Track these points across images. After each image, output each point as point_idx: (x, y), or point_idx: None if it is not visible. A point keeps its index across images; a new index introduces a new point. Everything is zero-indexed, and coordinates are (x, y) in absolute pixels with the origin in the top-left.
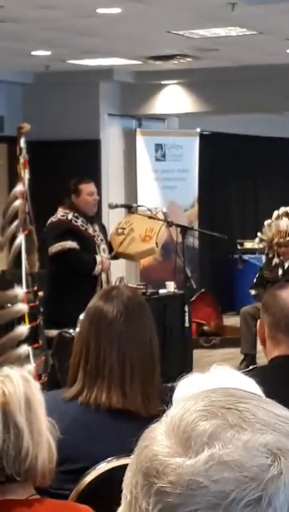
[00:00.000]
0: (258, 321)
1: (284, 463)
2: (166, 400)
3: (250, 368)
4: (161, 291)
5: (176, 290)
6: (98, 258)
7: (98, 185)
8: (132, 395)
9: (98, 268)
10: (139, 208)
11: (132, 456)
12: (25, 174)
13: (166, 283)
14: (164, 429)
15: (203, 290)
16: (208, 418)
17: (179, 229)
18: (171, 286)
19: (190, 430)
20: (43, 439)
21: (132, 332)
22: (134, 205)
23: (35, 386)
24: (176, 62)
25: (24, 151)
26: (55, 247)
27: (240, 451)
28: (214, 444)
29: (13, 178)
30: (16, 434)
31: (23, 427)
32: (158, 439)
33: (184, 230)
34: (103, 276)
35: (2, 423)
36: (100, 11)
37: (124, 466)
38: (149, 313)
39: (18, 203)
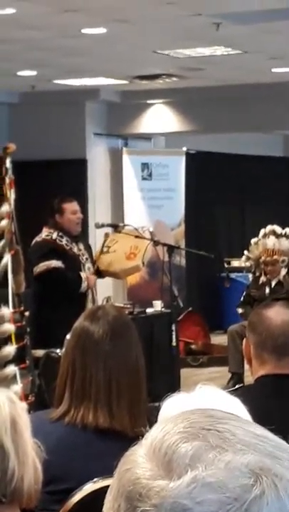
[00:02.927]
0: (244, 340)
1: (266, 482)
2: (153, 420)
3: (236, 387)
4: (149, 310)
5: (163, 309)
6: (83, 275)
7: (84, 205)
8: (119, 414)
9: (84, 285)
10: (125, 227)
11: (112, 479)
12: (12, 194)
13: (153, 302)
14: (144, 452)
15: (190, 309)
16: (189, 440)
17: (165, 248)
18: (158, 305)
19: (171, 452)
20: (28, 460)
21: (118, 352)
22: (121, 224)
23: (21, 407)
24: (161, 81)
25: (10, 172)
26: (40, 267)
27: (223, 472)
28: (197, 465)
29: None
30: (2, 456)
31: (9, 448)
32: (139, 461)
33: (171, 249)
34: (89, 295)
35: None
36: (85, 31)
37: None
38: (135, 333)
39: (4, 223)
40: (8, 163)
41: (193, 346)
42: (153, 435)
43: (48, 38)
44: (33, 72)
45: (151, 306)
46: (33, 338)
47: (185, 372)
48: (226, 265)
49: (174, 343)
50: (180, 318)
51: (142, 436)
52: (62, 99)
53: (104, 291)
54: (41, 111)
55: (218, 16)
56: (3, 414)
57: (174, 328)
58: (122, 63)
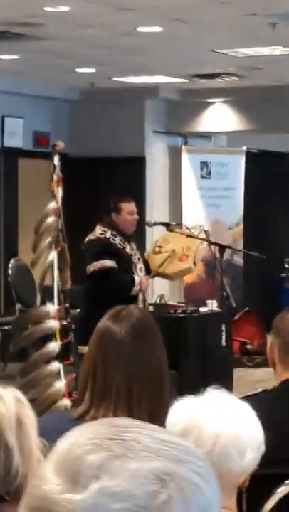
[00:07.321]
0: (269, 344)
1: (172, 487)
2: None
3: (259, 390)
4: (202, 309)
5: (217, 308)
6: (137, 278)
7: (142, 203)
8: (139, 415)
9: (136, 288)
10: (178, 226)
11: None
12: (59, 191)
13: (207, 301)
14: (52, 466)
15: (247, 309)
16: (93, 451)
17: (218, 247)
18: (212, 305)
19: (77, 465)
20: (33, 459)
21: (140, 353)
22: (173, 223)
23: (29, 407)
24: (220, 80)
25: (58, 169)
26: (94, 266)
27: (129, 481)
28: (101, 476)
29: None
30: (6, 454)
31: (13, 445)
32: (47, 477)
33: (222, 248)
34: (140, 295)
35: None
36: (141, 29)
37: None
38: (158, 334)
39: (51, 220)
40: (56, 160)
41: (248, 346)
42: (59, 448)
43: (104, 36)
44: (92, 70)
45: (206, 305)
46: (81, 336)
47: (240, 372)
48: (286, 265)
49: (223, 343)
50: (236, 317)
51: None
52: (122, 97)
53: (160, 289)
54: (101, 108)
55: (274, 16)
56: (8, 412)
57: (224, 328)
58: (180, 62)
